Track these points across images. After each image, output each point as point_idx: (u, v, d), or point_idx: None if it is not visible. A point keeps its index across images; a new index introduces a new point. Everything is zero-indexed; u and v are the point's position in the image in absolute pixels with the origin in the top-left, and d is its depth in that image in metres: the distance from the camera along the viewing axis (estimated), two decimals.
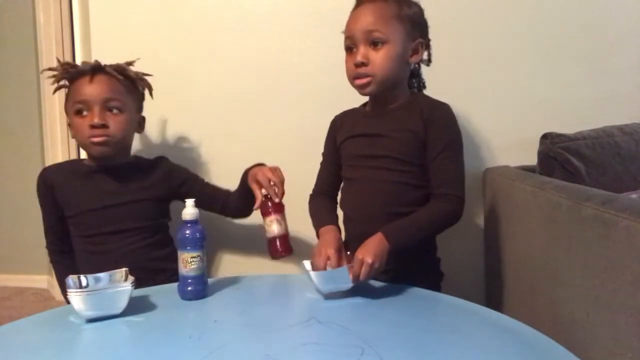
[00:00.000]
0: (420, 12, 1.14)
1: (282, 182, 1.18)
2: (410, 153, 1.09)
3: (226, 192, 1.40)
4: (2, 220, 2.61)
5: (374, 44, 1.06)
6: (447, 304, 1.01)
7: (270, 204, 1.18)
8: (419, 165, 1.10)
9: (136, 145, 1.51)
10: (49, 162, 2.24)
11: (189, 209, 1.02)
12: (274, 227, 1.15)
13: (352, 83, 1.12)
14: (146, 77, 1.35)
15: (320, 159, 1.34)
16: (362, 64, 1.06)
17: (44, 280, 2.51)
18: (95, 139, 1.20)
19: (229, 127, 1.60)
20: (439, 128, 1.08)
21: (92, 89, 1.21)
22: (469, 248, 1.54)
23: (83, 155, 1.80)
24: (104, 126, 1.20)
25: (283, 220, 1.18)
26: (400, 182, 1.10)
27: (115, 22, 1.62)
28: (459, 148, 1.11)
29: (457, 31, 1.51)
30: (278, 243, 1.16)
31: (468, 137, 1.52)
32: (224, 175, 1.61)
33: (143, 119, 1.37)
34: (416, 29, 1.11)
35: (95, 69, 1.24)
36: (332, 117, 1.35)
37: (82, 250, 1.28)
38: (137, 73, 1.31)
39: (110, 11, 1.62)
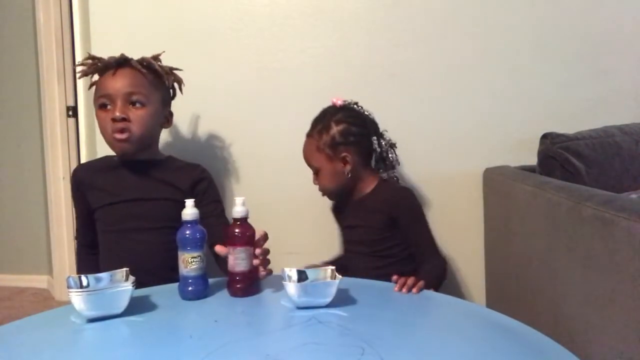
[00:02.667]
0: (343, 130, 1.31)
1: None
2: (379, 236, 1.32)
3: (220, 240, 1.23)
4: (2, 220, 2.61)
5: (315, 171, 1.35)
6: (447, 304, 1.01)
7: (238, 230, 1.01)
8: (385, 241, 1.31)
9: None
10: (49, 162, 2.25)
11: (189, 209, 1.02)
12: (240, 262, 1.01)
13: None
14: (176, 72, 1.35)
15: None
16: (315, 182, 1.37)
17: (44, 280, 2.51)
18: (118, 135, 1.20)
19: (226, 127, 1.60)
20: (401, 212, 1.30)
21: (115, 83, 1.21)
22: (469, 248, 1.54)
23: (83, 153, 1.81)
24: (125, 120, 1.19)
25: (252, 254, 1.02)
26: (376, 254, 1.33)
27: (115, 21, 1.62)
28: (421, 217, 1.34)
29: (457, 31, 1.51)
30: (238, 281, 1.02)
31: (468, 137, 1.53)
32: (217, 175, 1.61)
33: (171, 113, 1.34)
34: (339, 147, 1.31)
35: (120, 63, 1.24)
36: None
37: (104, 246, 1.28)
38: (163, 67, 1.30)
39: (110, 11, 1.62)
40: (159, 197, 1.26)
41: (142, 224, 1.25)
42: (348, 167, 1.32)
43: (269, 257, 1.07)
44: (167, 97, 1.34)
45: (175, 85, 1.36)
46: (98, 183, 1.29)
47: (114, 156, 1.31)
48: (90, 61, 1.29)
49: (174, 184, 1.27)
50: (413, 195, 1.36)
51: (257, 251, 1.02)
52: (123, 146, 1.22)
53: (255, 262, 1.02)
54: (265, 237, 1.05)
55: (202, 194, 1.28)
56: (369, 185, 1.34)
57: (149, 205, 1.25)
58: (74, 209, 1.38)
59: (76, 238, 1.38)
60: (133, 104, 1.21)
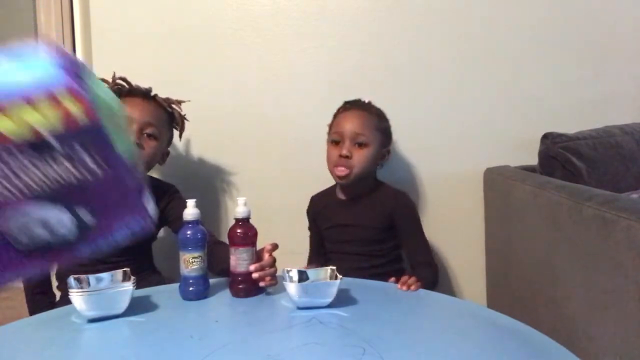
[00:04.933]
0: (389, 126, 1.37)
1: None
2: (377, 236, 1.31)
3: (211, 244, 1.14)
4: None
5: (359, 144, 1.27)
6: (447, 304, 1.01)
7: (240, 231, 1.01)
8: (382, 242, 1.31)
9: None
10: None
11: (190, 210, 1.02)
12: (242, 262, 1.01)
13: (332, 170, 1.31)
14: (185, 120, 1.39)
15: (320, 158, 1.35)
16: (347, 157, 1.26)
17: None
18: None
19: (227, 127, 1.60)
20: (402, 215, 1.31)
21: (137, 109, 1.24)
22: (470, 248, 1.54)
23: None
24: (139, 146, 1.21)
25: (254, 254, 1.03)
26: (368, 254, 1.31)
27: (115, 22, 1.62)
28: (419, 224, 1.34)
29: (457, 31, 1.51)
30: (240, 281, 1.02)
31: (468, 137, 1.53)
32: (219, 175, 1.61)
33: (168, 152, 1.38)
34: (387, 139, 1.35)
35: (146, 94, 1.29)
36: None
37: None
38: (180, 113, 1.37)
39: (110, 11, 1.62)
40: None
41: (117, 258, 1.23)
42: (384, 162, 1.35)
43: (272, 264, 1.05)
44: (171, 139, 1.39)
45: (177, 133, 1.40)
46: None
47: None
48: (120, 81, 1.31)
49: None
50: (412, 200, 1.37)
51: (251, 267, 1.01)
52: None
53: (254, 275, 1.01)
54: (272, 248, 1.05)
55: (173, 216, 1.29)
56: (365, 186, 1.34)
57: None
58: None
59: None
60: (146, 134, 1.24)
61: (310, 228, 1.45)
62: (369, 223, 1.30)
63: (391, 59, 1.53)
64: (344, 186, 1.34)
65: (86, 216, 0.27)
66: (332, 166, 1.31)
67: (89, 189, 0.30)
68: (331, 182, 1.40)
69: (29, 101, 0.28)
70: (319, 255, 1.41)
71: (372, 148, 1.28)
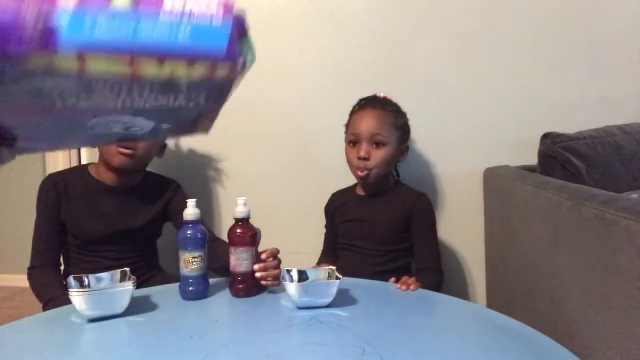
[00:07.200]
0: (407, 121, 1.35)
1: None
2: (391, 235, 1.30)
3: (213, 243, 1.18)
4: (2, 219, 2.61)
5: (377, 144, 1.27)
6: (447, 304, 1.01)
7: (240, 231, 1.02)
8: (397, 242, 1.30)
9: None
10: (50, 162, 2.24)
11: (191, 210, 1.02)
12: (242, 262, 1.02)
13: (354, 172, 1.32)
14: None
15: (322, 158, 1.35)
16: (365, 159, 1.26)
17: None
18: (123, 150, 1.21)
19: (227, 127, 1.60)
20: (421, 217, 1.30)
21: None
22: (470, 248, 1.54)
23: (83, 153, 1.80)
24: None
25: (254, 254, 1.04)
26: (383, 254, 1.30)
27: None
28: (435, 229, 1.34)
29: (457, 31, 1.51)
30: (240, 282, 1.03)
31: (468, 137, 1.53)
32: (219, 175, 1.61)
33: (165, 145, 1.40)
34: (405, 136, 1.34)
35: None
36: (332, 118, 1.36)
37: (76, 264, 1.28)
38: None
39: None
40: (142, 226, 1.31)
41: (122, 254, 1.29)
42: (403, 158, 1.34)
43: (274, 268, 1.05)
44: None
45: None
46: (81, 207, 1.26)
47: (89, 167, 1.31)
48: None
49: (153, 210, 1.34)
50: (431, 204, 1.35)
51: (255, 267, 1.02)
52: (124, 160, 1.23)
53: (258, 275, 1.02)
54: (271, 253, 1.04)
55: (176, 214, 1.31)
56: (386, 183, 1.34)
57: (133, 234, 1.30)
58: (42, 222, 1.23)
59: (36, 262, 1.22)
60: None
61: (326, 226, 1.44)
62: (386, 219, 1.29)
63: (390, 59, 1.53)
64: (364, 184, 1.34)
65: (164, 130, 0.32)
66: (351, 167, 1.32)
67: (182, 114, 0.34)
68: (330, 181, 1.40)
69: (189, 60, 0.32)
70: (330, 255, 1.40)
71: (391, 146, 1.28)
